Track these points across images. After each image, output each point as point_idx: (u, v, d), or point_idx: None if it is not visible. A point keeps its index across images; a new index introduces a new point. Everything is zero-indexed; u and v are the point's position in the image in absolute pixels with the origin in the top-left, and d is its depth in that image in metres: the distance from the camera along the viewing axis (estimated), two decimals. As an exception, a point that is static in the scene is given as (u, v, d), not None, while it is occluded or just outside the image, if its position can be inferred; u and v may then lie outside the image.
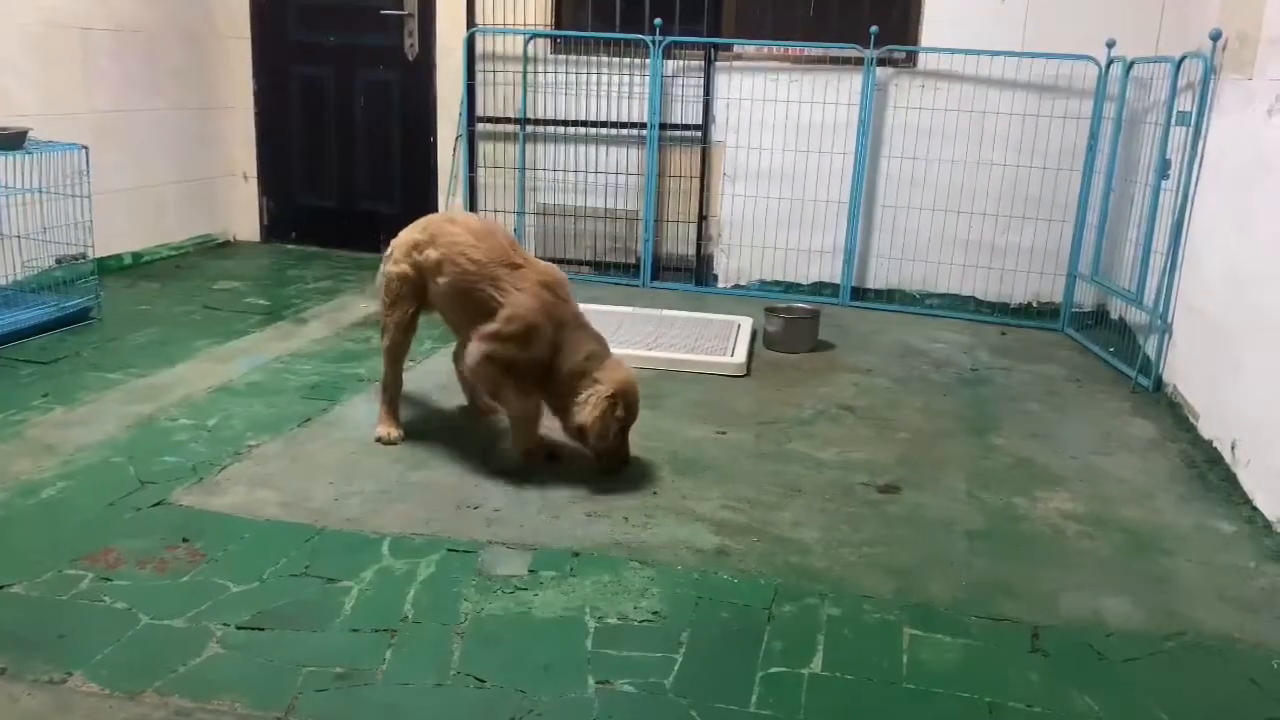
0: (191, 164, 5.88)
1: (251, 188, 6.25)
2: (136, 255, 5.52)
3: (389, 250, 3.28)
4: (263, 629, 2.20)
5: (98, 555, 2.46)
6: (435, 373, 3.95)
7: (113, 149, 5.19)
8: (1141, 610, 2.45)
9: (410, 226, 3.28)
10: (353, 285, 5.34)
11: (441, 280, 3.08)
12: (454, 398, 3.66)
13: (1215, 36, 3.87)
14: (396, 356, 3.33)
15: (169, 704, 1.94)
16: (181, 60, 5.71)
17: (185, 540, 2.56)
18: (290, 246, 6.24)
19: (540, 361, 2.98)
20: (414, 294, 3.22)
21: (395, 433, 3.28)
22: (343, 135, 6.07)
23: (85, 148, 4.29)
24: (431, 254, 3.11)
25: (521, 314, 2.95)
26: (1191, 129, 3.97)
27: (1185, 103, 4.11)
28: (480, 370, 3.02)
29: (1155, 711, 2.06)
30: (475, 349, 3.01)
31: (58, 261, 4.46)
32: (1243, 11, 3.74)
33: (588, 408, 2.94)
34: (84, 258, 4.39)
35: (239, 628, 2.20)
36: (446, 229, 3.14)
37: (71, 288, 4.33)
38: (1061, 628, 2.35)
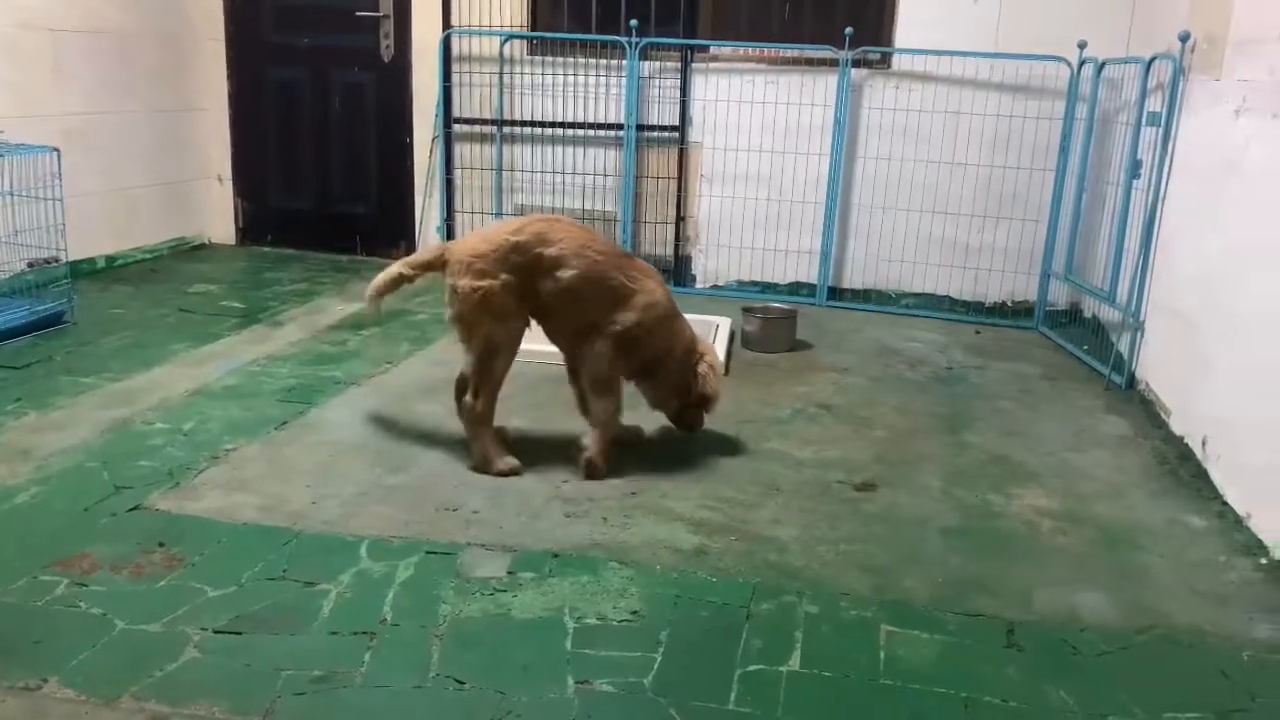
0: (166, 166, 5.84)
1: (227, 190, 6.21)
2: (110, 258, 5.48)
3: (457, 273, 3.04)
4: (240, 633, 2.19)
5: (73, 560, 2.45)
6: (411, 374, 3.94)
7: (85, 151, 5.15)
8: (1115, 605, 2.48)
9: (482, 241, 3.09)
10: (329, 288, 5.32)
11: (565, 274, 3.05)
12: (431, 399, 3.66)
13: (1184, 38, 3.92)
14: (503, 379, 3.14)
15: (146, 709, 1.93)
16: (155, 62, 5.67)
17: (161, 545, 2.54)
18: (266, 249, 6.21)
19: (659, 347, 3.18)
20: (521, 303, 3.09)
21: (514, 460, 3.12)
22: (318, 137, 6.04)
23: (57, 150, 4.25)
24: (550, 252, 3.06)
25: (659, 300, 3.17)
26: (1162, 129, 4.02)
27: (1155, 103, 4.16)
28: (611, 356, 3.11)
29: (1128, 705, 2.09)
30: (611, 334, 3.09)
31: (29, 265, 4.43)
32: (1210, 13, 3.79)
33: (714, 378, 3.23)
34: (56, 261, 4.36)
35: (216, 632, 2.19)
36: (556, 228, 3.12)
37: (44, 291, 4.29)
38: (1036, 623, 2.38)
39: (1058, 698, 2.10)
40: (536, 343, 3.25)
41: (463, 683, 2.06)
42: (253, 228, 6.26)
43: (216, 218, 6.23)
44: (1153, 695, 2.13)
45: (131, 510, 2.72)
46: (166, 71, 5.77)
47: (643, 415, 3.39)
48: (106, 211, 5.40)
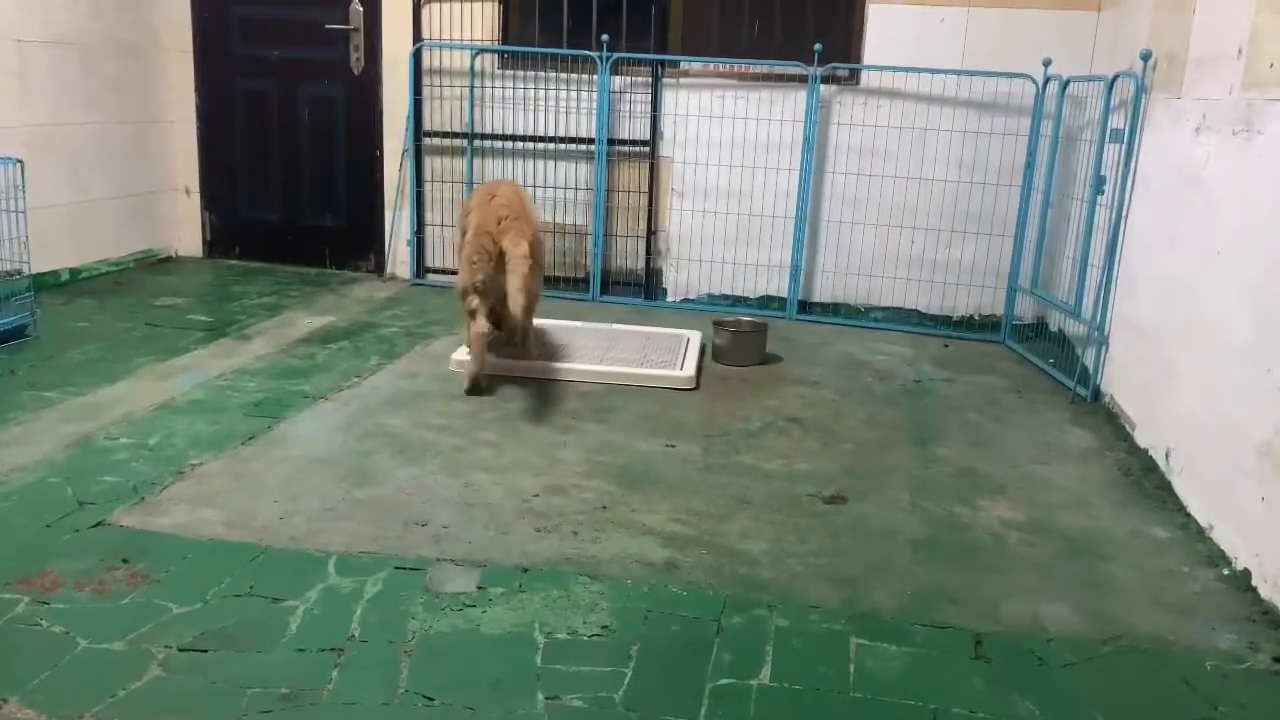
0: (131, 178, 5.78)
1: (194, 202, 6.16)
2: (74, 271, 5.41)
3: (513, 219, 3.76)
4: (206, 650, 2.16)
5: (34, 578, 2.41)
6: (380, 388, 3.92)
7: (49, 163, 5.09)
8: (1080, 615, 2.50)
9: (523, 204, 3.91)
10: (297, 301, 5.29)
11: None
12: (400, 413, 3.64)
13: (1145, 56, 3.99)
14: None
15: (108, 729, 1.90)
16: (121, 73, 5.62)
17: (125, 561, 2.51)
18: (233, 262, 6.16)
19: None
20: None
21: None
22: (287, 149, 6.01)
23: (20, 161, 4.20)
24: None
25: None
26: (1124, 146, 4.08)
27: (1118, 120, 4.23)
28: None
29: (1093, 714, 2.11)
30: None
31: (-8, 278, 4.36)
32: (1171, 33, 3.86)
33: None
34: (19, 274, 4.29)
35: (181, 650, 2.16)
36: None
37: (6, 305, 4.23)
38: (1003, 634, 2.40)
39: (1024, 708, 2.12)
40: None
41: (432, 699, 2.05)
42: (220, 240, 6.21)
43: (183, 230, 6.18)
44: (1118, 705, 2.15)
45: (95, 526, 2.69)
46: (132, 83, 5.72)
47: (606, 438, 3.38)
48: (71, 224, 5.34)
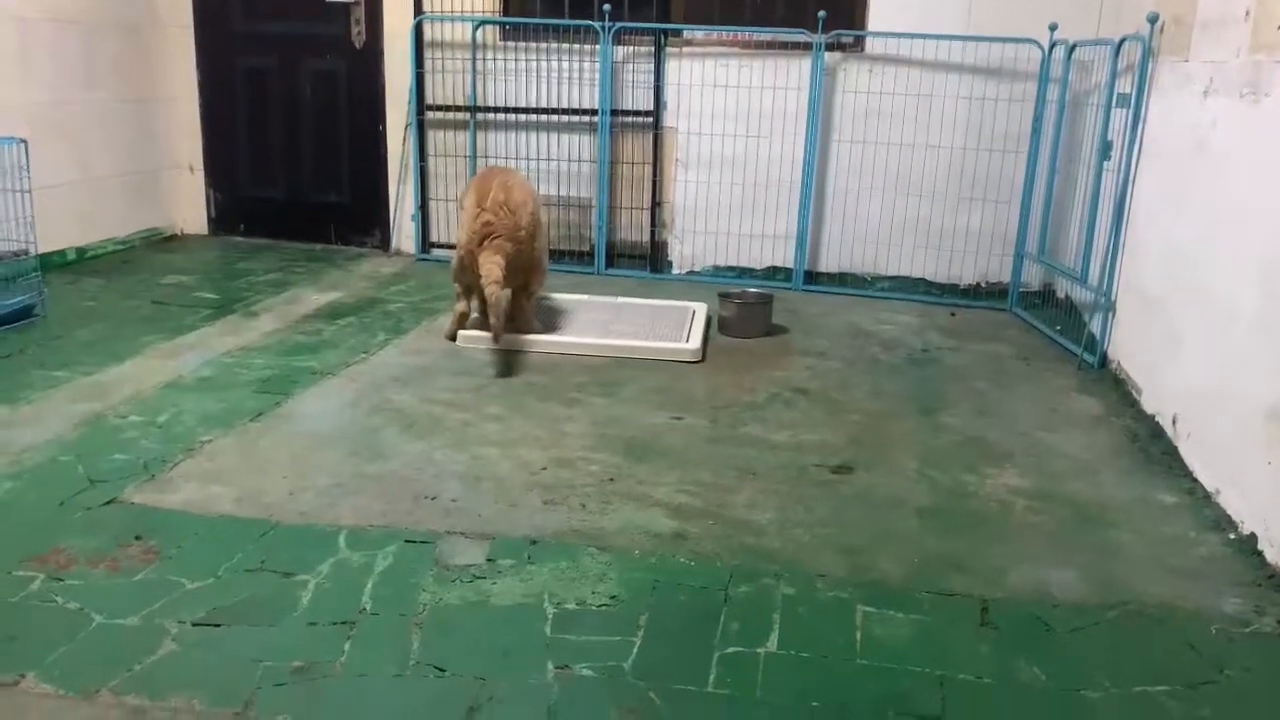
0: (135, 156, 5.78)
1: (198, 180, 6.16)
2: (80, 250, 5.42)
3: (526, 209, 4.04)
4: (218, 625, 2.19)
5: (48, 556, 2.43)
6: (387, 364, 3.93)
7: (53, 142, 5.09)
8: (1087, 581, 2.51)
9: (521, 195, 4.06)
10: (303, 277, 5.29)
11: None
12: (407, 389, 3.65)
13: (1152, 19, 3.95)
14: None
15: (124, 703, 1.92)
16: (122, 51, 5.61)
17: (138, 538, 2.53)
18: (239, 239, 6.16)
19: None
20: None
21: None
22: (290, 125, 5.99)
23: (24, 141, 4.20)
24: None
25: None
26: (1131, 111, 4.05)
27: (1125, 85, 4.19)
28: None
29: (1100, 679, 2.13)
30: None
31: (-2, 258, 4.37)
32: (1178, -5, 3.82)
33: None
34: (26, 254, 4.30)
35: (194, 624, 2.18)
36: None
37: (13, 285, 4.24)
38: (1010, 601, 2.41)
39: (1031, 673, 2.14)
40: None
41: (443, 670, 2.07)
42: (225, 218, 6.21)
43: (188, 208, 6.18)
44: (1124, 669, 2.16)
45: (107, 504, 2.71)
46: (134, 60, 5.70)
47: (612, 411, 3.38)
48: (76, 203, 5.34)
